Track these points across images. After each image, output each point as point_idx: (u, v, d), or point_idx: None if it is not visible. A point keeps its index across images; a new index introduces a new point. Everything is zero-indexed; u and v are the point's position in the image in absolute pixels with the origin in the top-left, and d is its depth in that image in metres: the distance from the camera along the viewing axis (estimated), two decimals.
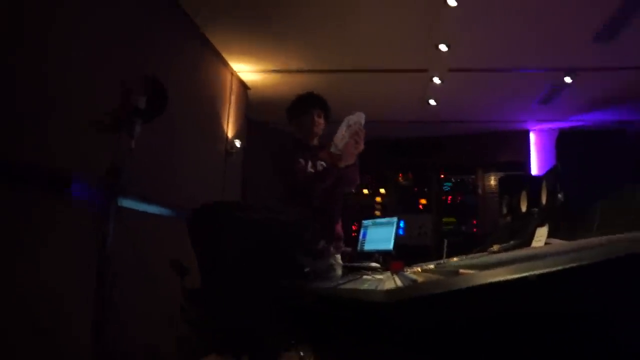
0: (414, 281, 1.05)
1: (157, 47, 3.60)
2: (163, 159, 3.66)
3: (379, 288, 1.25)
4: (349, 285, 1.40)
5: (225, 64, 4.97)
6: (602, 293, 0.71)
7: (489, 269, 0.92)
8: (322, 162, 2.96)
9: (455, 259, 2.27)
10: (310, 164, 2.96)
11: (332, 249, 2.81)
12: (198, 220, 2.08)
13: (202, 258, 2.01)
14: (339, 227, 2.95)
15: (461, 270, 1.04)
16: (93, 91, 2.71)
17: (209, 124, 4.73)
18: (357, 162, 2.88)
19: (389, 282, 1.48)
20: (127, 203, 2.92)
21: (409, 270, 2.17)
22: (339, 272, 2.88)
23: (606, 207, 1.69)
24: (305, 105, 2.99)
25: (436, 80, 5.24)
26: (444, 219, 7.41)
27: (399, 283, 1.27)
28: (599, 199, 1.75)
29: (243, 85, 5.49)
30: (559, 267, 0.72)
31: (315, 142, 3.02)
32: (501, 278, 0.75)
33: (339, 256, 2.92)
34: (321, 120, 3.00)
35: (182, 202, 3.56)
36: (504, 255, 1.40)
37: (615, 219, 1.58)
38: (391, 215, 5.12)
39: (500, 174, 6.98)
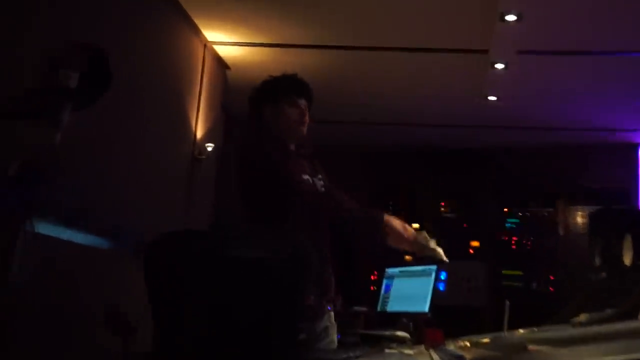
0: (460, 358, 1.03)
1: (98, 4, 3.61)
2: (100, 164, 3.63)
3: None
4: None
5: (196, 32, 4.99)
6: None
7: (573, 345, 0.90)
8: (321, 178, 2.97)
9: (521, 331, 2.24)
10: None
11: (323, 302, 2.77)
12: (156, 258, 2.08)
13: (161, 311, 2.02)
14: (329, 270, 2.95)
15: (530, 347, 1.02)
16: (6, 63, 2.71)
17: (170, 119, 4.73)
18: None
19: (423, 359, 1.45)
20: (45, 228, 2.90)
21: (452, 345, 2.15)
22: (334, 337, 2.86)
23: None
24: (293, 90, 2.99)
25: (499, 65, 5.24)
26: (505, 271, 7.39)
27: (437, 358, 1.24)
28: None
29: (220, 64, 5.51)
30: None
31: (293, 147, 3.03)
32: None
33: (332, 314, 2.90)
34: (308, 116, 3.01)
35: (128, 229, 3.56)
36: (596, 330, 1.37)
37: None
38: (428, 262, 5.09)
39: (592, 207, 6.93)
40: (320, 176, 2.94)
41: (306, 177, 2.89)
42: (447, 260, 3.08)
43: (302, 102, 2.96)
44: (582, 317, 2.44)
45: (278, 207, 2.79)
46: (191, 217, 4.86)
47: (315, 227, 2.80)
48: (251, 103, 3.04)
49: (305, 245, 2.17)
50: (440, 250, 3.09)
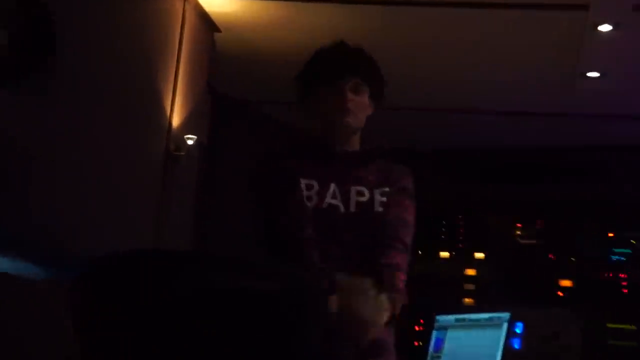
0: None
1: None
2: (41, 160, 3.71)
3: None
4: None
5: None
6: None
7: None
8: (363, 189, 3.02)
9: None
10: (333, 189, 3.00)
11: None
12: (88, 295, 2.12)
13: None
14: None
15: None
16: None
17: (135, 103, 4.80)
18: None
19: None
20: None
21: None
22: None
23: None
24: (328, 69, 3.06)
25: (604, 27, 5.31)
26: (611, 324, 7.42)
27: None
28: None
29: (207, 25, 5.60)
30: None
31: (350, 144, 3.09)
32: None
33: None
34: (362, 100, 3.05)
35: (78, 251, 3.61)
36: None
37: None
38: (497, 308, 5.14)
39: None
40: (360, 189, 3.00)
41: (308, 183, 2.98)
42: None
43: (350, 82, 3.04)
44: None
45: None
46: (162, 231, 4.95)
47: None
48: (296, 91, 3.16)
49: (309, 276, 2.25)
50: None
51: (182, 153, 5.20)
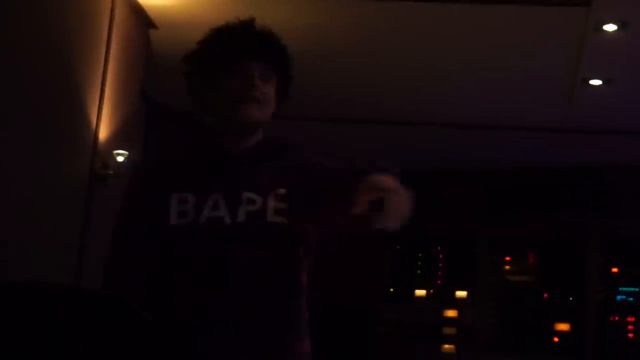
0: None
1: None
2: None
3: None
4: None
5: None
6: None
7: None
8: (253, 195, 2.84)
9: None
10: (215, 199, 2.86)
11: None
12: None
13: None
14: None
15: None
16: None
17: (56, 111, 4.70)
18: None
19: None
20: None
21: None
22: None
23: None
24: (232, 48, 2.94)
25: (609, 27, 5.28)
26: None
27: None
28: None
29: (141, 20, 5.50)
30: None
31: (247, 143, 2.96)
32: None
33: None
34: (269, 90, 2.92)
35: None
36: None
37: None
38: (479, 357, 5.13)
39: None
40: (250, 197, 2.83)
41: (178, 197, 2.84)
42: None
43: (254, 67, 2.90)
44: None
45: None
46: (90, 261, 4.85)
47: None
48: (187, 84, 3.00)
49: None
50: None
51: (110, 172, 5.08)
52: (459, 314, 7.92)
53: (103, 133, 5.12)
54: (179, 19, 5.55)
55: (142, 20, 5.53)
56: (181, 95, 5.55)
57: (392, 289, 8.00)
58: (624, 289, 7.64)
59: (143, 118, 5.77)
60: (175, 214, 2.68)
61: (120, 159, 5.16)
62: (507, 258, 7.96)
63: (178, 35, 5.60)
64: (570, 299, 7.79)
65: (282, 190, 2.72)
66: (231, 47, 2.83)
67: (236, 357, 2.52)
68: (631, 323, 7.52)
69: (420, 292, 8.05)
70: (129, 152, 5.27)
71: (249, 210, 2.70)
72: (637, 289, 7.64)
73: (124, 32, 5.32)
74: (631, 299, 7.60)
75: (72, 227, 4.86)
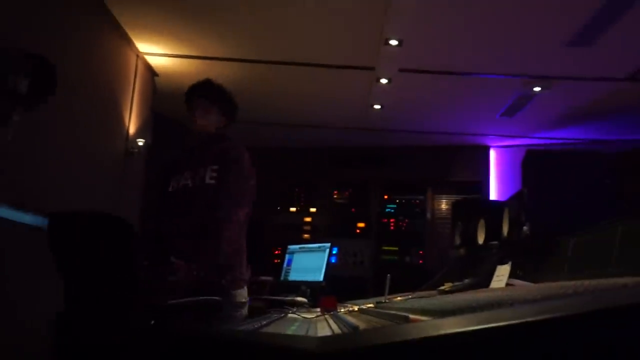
0: (355, 328, 1.03)
1: (41, 15, 3.44)
2: (44, 157, 3.49)
3: (310, 333, 1.22)
4: (270, 328, 1.36)
5: (130, 43, 4.83)
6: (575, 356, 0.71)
7: (444, 316, 0.92)
8: (201, 169, 2.80)
9: (398, 297, 2.28)
10: (187, 173, 2.83)
11: (223, 282, 2.51)
12: (56, 231, 2.06)
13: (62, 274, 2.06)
14: (234, 244, 2.64)
15: (412, 317, 1.03)
16: None
17: (106, 116, 4.59)
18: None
19: (321, 325, 1.45)
20: None
21: (343, 309, 2.16)
22: (244, 312, 2.72)
23: (579, 243, 1.74)
24: (189, 94, 2.96)
25: (383, 80, 5.33)
26: (385, 247, 7.47)
27: (335, 328, 1.24)
28: (571, 233, 1.80)
29: (150, 71, 5.36)
30: (528, 319, 0.71)
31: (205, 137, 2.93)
32: (462, 329, 0.74)
33: (240, 292, 2.69)
34: (206, 118, 2.87)
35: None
36: (459, 298, 1.40)
37: (589, 258, 1.63)
38: (323, 240, 5.11)
39: (454, 197, 7.13)
40: (202, 167, 2.77)
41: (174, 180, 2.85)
42: None
43: (198, 102, 2.90)
44: (447, 286, 2.52)
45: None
46: (123, 200, 4.72)
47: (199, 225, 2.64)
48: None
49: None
50: None
51: (136, 150, 4.99)
52: (312, 220, 7.83)
53: (131, 130, 5.00)
54: (169, 71, 5.43)
55: (151, 71, 5.40)
56: (170, 110, 5.36)
57: (279, 207, 7.79)
58: (389, 205, 7.66)
59: (152, 122, 5.59)
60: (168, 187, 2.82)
61: (140, 143, 5.06)
62: (335, 192, 7.83)
63: (169, 80, 5.51)
64: (364, 211, 7.75)
65: (215, 166, 2.76)
66: (189, 93, 2.82)
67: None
68: (392, 224, 7.56)
69: (293, 209, 7.89)
70: (144, 139, 5.16)
71: (198, 177, 2.77)
72: (394, 205, 7.59)
73: (142, 78, 5.19)
74: (392, 210, 7.59)
75: (115, 181, 4.74)
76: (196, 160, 2.82)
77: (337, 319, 1.47)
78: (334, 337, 0.77)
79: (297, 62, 5.17)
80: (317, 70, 5.28)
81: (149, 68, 5.31)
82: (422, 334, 0.72)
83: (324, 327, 1.33)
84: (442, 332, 0.73)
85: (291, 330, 1.30)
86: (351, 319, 1.37)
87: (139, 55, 5.04)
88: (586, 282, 1.09)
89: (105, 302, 1.97)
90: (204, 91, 2.91)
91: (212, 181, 2.70)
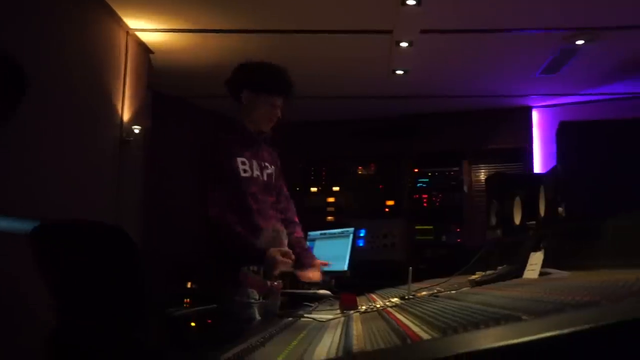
0: (349, 352, 1.04)
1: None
2: (26, 157, 3.53)
3: (309, 350, 1.23)
4: (267, 348, 1.36)
5: (117, 20, 4.82)
6: None
7: (449, 331, 0.91)
8: (267, 164, 2.98)
9: (424, 292, 2.27)
10: (255, 164, 2.92)
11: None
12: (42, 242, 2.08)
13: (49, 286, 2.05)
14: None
15: (413, 331, 1.03)
16: None
17: (95, 105, 4.59)
18: None
19: (328, 336, 1.45)
20: None
21: (364, 305, 2.17)
22: (255, 314, 2.81)
23: (621, 228, 1.70)
24: (274, 85, 2.93)
25: (404, 44, 5.30)
26: (418, 226, 7.44)
27: (335, 343, 1.25)
28: (612, 216, 1.76)
29: (144, 50, 5.36)
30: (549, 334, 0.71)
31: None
32: (461, 350, 0.73)
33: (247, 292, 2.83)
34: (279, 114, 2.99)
35: (57, 214, 3.43)
36: (481, 299, 1.39)
37: (631, 245, 1.59)
38: (348, 222, 5.12)
39: (494, 167, 7.07)
40: (267, 164, 2.97)
41: (241, 160, 2.87)
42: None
43: (280, 101, 2.92)
44: (477, 275, 2.51)
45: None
46: (120, 198, 4.75)
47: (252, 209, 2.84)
48: (232, 83, 2.97)
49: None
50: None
51: (131, 139, 4.99)
52: (335, 200, 7.82)
53: (126, 116, 5.02)
54: (165, 47, 5.44)
55: (144, 49, 5.39)
56: (168, 86, 5.32)
57: (297, 188, 7.79)
58: (421, 179, 7.66)
59: (150, 103, 5.66)
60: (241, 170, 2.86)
61: (136, 130, 5.08)
62: (360, 167, 7.82)
63: (166, 56, 5.55)
64: (393, 187, 7.76)
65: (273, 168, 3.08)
66: (274, 88, 2.86)
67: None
68: (425, 200, 7.56)
69: (314, 189, 7.90)
70: (142, 125, 5.20)
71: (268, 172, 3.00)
72: (427, 180, 7.58)
73: (134, 57, 5.19)
74: (424, 185, 7.62)
75: (111, 170, 4.78)
76: (261, 156, 3.03)
77: (347, 328, 1.48)
78: None
79: (307, 30, 5.14)
80: (330, 37, 5.27)
81: (142, 45, 5.30)
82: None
83: (327, 342, 1.34)
84: (441, 354, 0.73)
85: (291, 346, 1.31)
86: (357, 330, 1.38)
87: (129, 32, 5.03)
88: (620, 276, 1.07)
89: (106, 320, 1.99)
90: (289, 87, 2.98)
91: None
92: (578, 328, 0.70)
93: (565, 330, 0.71)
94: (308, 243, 5.18)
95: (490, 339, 0.75)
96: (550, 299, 0.99)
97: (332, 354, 1.11)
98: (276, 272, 2.81)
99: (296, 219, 3.24)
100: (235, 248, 2.71)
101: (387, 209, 7.64)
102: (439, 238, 7.37)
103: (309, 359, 1.13)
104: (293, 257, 2.85)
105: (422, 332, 1.03)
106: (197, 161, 2.88)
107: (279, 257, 2.75)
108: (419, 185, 7.58)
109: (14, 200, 3.26)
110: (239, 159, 2.86)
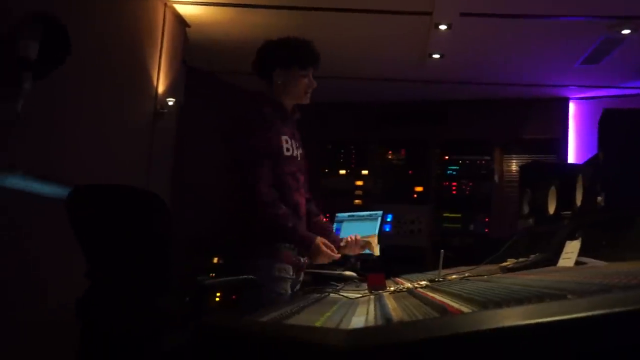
0: (389, 320, 1.04)
1: None
2: (64, 125, 3.57)
3: (344, 321, 1.23)
4: (304, 314, 1.38)
5: None
6: None
7: (487, 307, 0.91)
8: (299, 144, 3.00)
9: (454, 275, 2.27)
10: (293, 143, 2.93)
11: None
12: (76, 205, 2.11)
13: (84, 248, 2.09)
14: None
15: (451, 306, 1.03)
16: None
17: (132, 76, 4.63)
18: None
19: (361, 310, 1.47)
20: (13, 182, 2.85)
21: (393, 287, 2.18)
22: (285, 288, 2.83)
23: None
24: (305, 57, 2.90)
25: (442, 27, 5.25)
26: (446, 214, 7.43)
27: (372, 316, 1.26)
28: None
29: (180, 22, 5.38)
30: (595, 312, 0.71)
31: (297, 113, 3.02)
32: (507, 324, 0.73)
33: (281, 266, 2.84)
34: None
35: (90, 180, 3.49)
36: (518, 281, 1.39)
37: None
38: (376, 206, 5.11)
39: (526, 158, 7.01)
40: (298, 144, 2.96)
41: (285, 138, 2.88)
42: (378, 254, 3.19)
43: (312, 71, 2.91)
44: (509, 262, 2.50)
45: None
46: (152, 168, 4.80)
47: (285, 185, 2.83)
48: (261, 62, 2.93)
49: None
50: (375, 246, 3.19)
51: (165, 111, 5.02)
52: (364, 183, 7.81)
53: (161, 88, 5.05)
54: (202, 21, 5.46)
55: (181, 22, 5.41)
56: (209, 65, 5.35)
57: (326, 170, 7.76)
58: (451, 167, 7.62)
59: (184, 77, 5.67)
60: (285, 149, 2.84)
61: (170, 103, 5.11)
62: (389, 152, 7.81)
63: (202, 30, 5.57)
64: (422, 173, 7.75)
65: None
66: (309, 56, 2.85)
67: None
68: (455, 187, 7.54)
69: (342, 172, 7.90)
70: (176, 98, 5.23)
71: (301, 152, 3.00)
72: (457, 167, 7.60)
73: (171, 29, 5.21)
74: (454, 172, 7.60)
75: (144, 140, 4.82)
76: (297, 135, 3.03)
77: (380, 303, 1.48)
78: (359, 332, 0.78)
79: (343, 9, 5.12)
80: (365, 16, 5.24)
81: (179, 18, 5.32)
82: (452, 331, 0.72)
83: (362, 314, 1.35)
84: (474, 329, 0.73)
85: (325, 316, 1.32)
86: (392, 304, 1.38)
87: (167, 4, 5.06)
88: None
89: (133, 285, 2.02)
90: (319, 59, 2.95)
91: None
92: (629, 307, 0.70)
93: (616, 309, 0.71)
94: (335, 225, 5.21)
95: (536, 314, 0.73)
96: (594, 281, 0.99)
97: (370, 323, 1.12)
98: (317, 262, 2.83)
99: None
100: (279, 226, 2.71)
101: (415, 195, 7.63)
102: (467, 227, 7.34)
103: (347, 326, 1.14)
104: (336, 252, 2.90)
105: (462, 307, 1.03)
106: (243, 134, 2.83)
107: (324, 249, 2.77)
108: (448, 172, 7.55)
109: (51, 164, 3.30)
110: (283, 137, 2.86)
